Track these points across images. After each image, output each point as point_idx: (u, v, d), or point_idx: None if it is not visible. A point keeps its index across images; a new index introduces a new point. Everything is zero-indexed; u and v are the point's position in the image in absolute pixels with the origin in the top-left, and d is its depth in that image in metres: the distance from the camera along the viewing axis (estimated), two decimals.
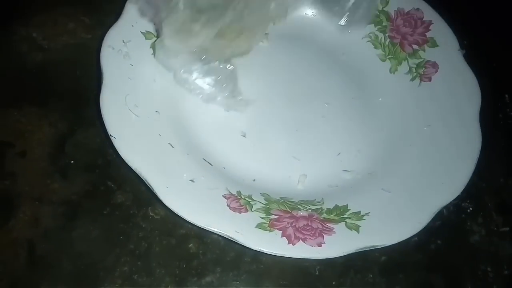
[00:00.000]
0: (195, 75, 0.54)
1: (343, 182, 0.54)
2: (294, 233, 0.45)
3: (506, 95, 0.67)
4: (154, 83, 0.55)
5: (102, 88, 0.50)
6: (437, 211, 0.48)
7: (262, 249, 0.43)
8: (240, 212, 0.46)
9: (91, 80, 0.58)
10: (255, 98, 0.57)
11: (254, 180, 0.53)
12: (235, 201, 0.48)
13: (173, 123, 0.53)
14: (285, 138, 0.55)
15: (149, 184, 0.45)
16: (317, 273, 0.51)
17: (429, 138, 0.55)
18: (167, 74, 0.56)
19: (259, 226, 0.45)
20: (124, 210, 0.52)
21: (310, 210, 0.49)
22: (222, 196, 0.48)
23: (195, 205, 0.45)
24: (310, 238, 0.45)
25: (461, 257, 0.54)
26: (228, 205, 0.47)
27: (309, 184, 0.54)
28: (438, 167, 0.52)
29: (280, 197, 0.51)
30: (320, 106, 0.57)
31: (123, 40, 0.54)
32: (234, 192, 0.49)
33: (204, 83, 0.55)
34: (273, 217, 0.47)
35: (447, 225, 0.55)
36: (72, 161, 0.55)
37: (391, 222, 0.47)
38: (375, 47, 0.64)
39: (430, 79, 0.60)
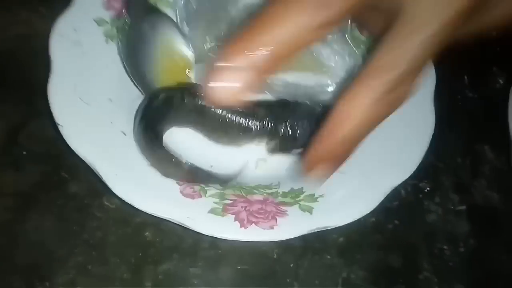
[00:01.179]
0: None
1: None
2: (247, 217, 0.45)
3: (465, 77, 0.68)
4: (107, 70, 0.54)
5: (50, 77, 0.49)
6: (389, 191, 0.48)
7: (214, 234, 0.43)
8: (193, 198, 0.46)
9: (43, 71, 0.57)
10: None
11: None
12: (188, 187, 0.47)
13: (126, 111, 0.52)
14: None
15: (97, 172, 0.44)
16: (275, 256, 0.51)
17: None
18: (120, 61, 0.55)
19: (212, 211, 0.45)
20: (78, 200, 0.52)
21: (265, 194, 0.49)
22: (176, 183, 0.47)
23: (147, 192, 0.45)
24: (263, 221, 0.45)
25: (418, 236, 0.55)
26: (181, 192, 0.46)
27: (267, 169, 0.54)
28: (391, 147, 0.52)
29: (236, 183, 0.50)
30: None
31: (74, 28, 0.53)
32: None
33: None
34: (227, 202, 0.46)
35: (404, 205, 0.56)
36: (24, 152, 0.54)
37: (344, 203, 0.47)
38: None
39: None
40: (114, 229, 0.50)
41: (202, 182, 0.49)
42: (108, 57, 0.55)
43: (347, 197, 0.48)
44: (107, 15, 0.57)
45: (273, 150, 0.54)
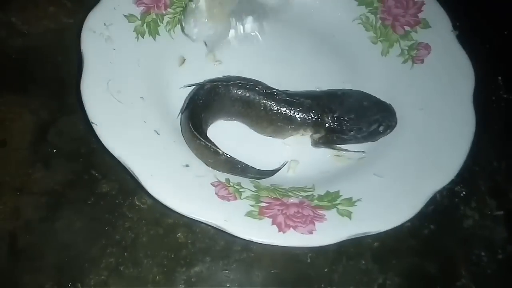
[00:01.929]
0: None
1: (334, 168, 0.53)
2: (285, 221, 0.44)
3: (499, 77, 0.66)
4: (138, 68, 0.53)
5: (83, 74, 0.48)
6: (431, 196, 0.47)
7: (252, 238, 0.42)
8: (229, 200, 0.45)
9: (73, 66, 0.56)
10: None
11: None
12: (223, 189, 0.46)
13: (158, 109, 0.51)
14: None
15: (133, 172, 0.43)
16: (308, 261, 0.50)
17: (422, 121, 0.54)
18: (152, 58, 0.54)
19: (249, 214, 0.44)
20: (110, 199, 0.51)
21: (301, 197, 0.47)
22: (210, 184, 0.46)
23: (182, 193, 0.44)
24: (301, 226, 0.43)
25: (454, 242, 0.53)
26: (216, 193, 0.45)
27: (300, 171, 0.52)
28: (432, 151, 0.51)
29: (270, 184, 0.49)
30: (309, 90, 0.56)
31: (104, 23, 0.52)
32: (223, 180, 0.47)
33: None
34: (263, 204, 0.45)
35: (440, 210, 0.54)
36: (54, 150, 0.53)
37: (383, 207, 0.46)
38: (366, 30, 0.62)
39: (422, 61, 0.58)
40: (146, 229, 0.49)
41: (239, 173, 0.48)
42: (139, 54, 0.54)
43: (387, 201, 0.47)
44: (137, 11, 0.56)
45: (317, 143, 0.53)
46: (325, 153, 0.54)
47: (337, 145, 0.53)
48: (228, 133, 0.54)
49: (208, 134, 0.51)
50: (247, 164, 0.48)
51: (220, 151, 0.47)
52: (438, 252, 0.52)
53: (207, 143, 0.47)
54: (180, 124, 0.50)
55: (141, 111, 0.49)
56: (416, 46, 0.59)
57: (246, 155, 0.51)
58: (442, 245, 0.53)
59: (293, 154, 0.53)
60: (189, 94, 0.52)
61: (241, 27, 0.59)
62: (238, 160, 0.48)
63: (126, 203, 0.50)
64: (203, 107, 0.50)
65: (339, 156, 0.54)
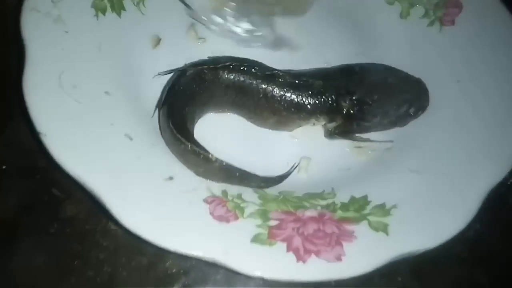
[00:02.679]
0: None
1: (356, 163, 0.42)
2: (304, 244, 0.34)
3: None
4: (100, 54, 0.42)
5: (25, 67, 0.37)
6: (486, 194, 0.37)
7: (263, 274, 0.32)
8: (228, 222, 0.34)
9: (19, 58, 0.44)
10: None
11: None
12: (220, 205, 0.36)
13: (129, 106, 0.40)
14: None
15: (97, 196, 0.33)
16: (333, 284, 0.40)
17: (460, 98, 0.44)
18: (118, 40, 0.43)
19: (256, 239, 0.34)
20: (77, 225, 0.41)
21: (320, 207, 0.37)
22: (203, 200, 0.36)
23: (164, 219, 0.33)
24: (325, 250, 0.33)
25: (505, 243, 0.43)
26: (211, 213, 0.35)
27: (313, 170, 0.42)
28: (478, 134, 0.41)
29: (279, 192, 0.39)
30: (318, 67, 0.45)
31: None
32: (219, 193, 0.37)
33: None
34: (273, 223, 0.35)
35: (485, 205, 0.44)
36: (4, 166, 0.42)
37: (428, 215, 0.36)
38: None
39: (453, 22, 0.48)
40: (126, 260, 0.39)
41: (238, 183, 0.38)
42: (100, 37, 0.42)
43: (431, 205, 0.37)
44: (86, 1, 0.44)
45: (332, 134, 0.42)
46: (342, 145, 0.44)
47: (358, 135, 0.42)
48: (221, 129, 0.43)
49: (195, 133, 0.41)
50: (247, 172, 0.37)
51: (212, 156, 0.36)
52: (488, 257, 0.43)
53: (195, 147, 0.36)
54: (159, 122, 0.39)
55: (106, 111, 0.39)
56: (443, 3, 0.48)
57: (245, 155, 0.41)
58: (491, 248, 0.43)
59: (303, 150, 0.43)
60: (167, 84, 0.41)
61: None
62: (235, 167, 0.37)
63: (98, 228, 0.40)
64: (186, 99, 0.39)
65: (360, 148, 0.43)
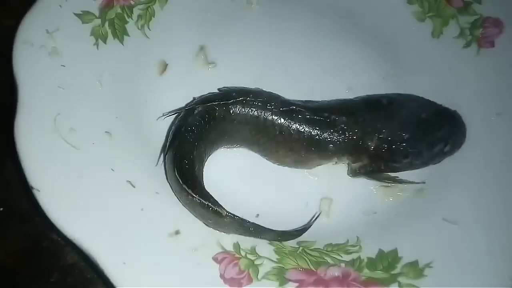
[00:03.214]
0: None
1: (383, 206, 0.38)
2: None
3: None
4: (101, 88, 0.38)
5: (17, 109, 0.34)
6: None
7: None
8: (241, 286, 0.31)
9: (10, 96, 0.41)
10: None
11: (258, 215, 0.37)
12: (232, 264, 0.32)
13: (132, 148, 0.37)
14: None
15: (95, 260, 0.29)
16: None
17: (501, 133, 0.39)
18: (120, 70, 0.39)
19: None
20: (78, 274, 0.38)
21: (344, 264, 0.33)
22: (212, 259, 0.32)
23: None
24: None
25: None
26: (221, 274, 0.31)
27: (336, 213, 0.38)
28: None
29: (298, 243, 0.35)
30: (339, 94, 0.42)
31: (46, 30, 0.37)
32: (230, 247, 0.33)
33: None
34: (291, 286, 0.31)
35: None
36: (1, 209, 0.39)
37: (467, 277, 0.31)
38: (409, 2, 0.46)
39: (492, 44, 0.43)
40: None
41: (251, 236, 0.34)
42: (100, 68, 0.39)
43: (470, 266, 0.32)
44: (93, 5, 0.40)
45: (356, 173, 0.38)
46: (367, 184, 0.40)
47: (385, 174, 0.38)
48: (233, 165, 0.40)
49: (205, 170, 0.37)
50: (261, 226, 0.33)
51: (222, 211, 0.32)
52: None
53: (203, 200, 0.32)
54: (164, 166, 0.36)
55: (106, 155, 0.35)
56: (481, 22, 0.43)
57: (258, 195, 0.39)
58: None
59: (323, 189, 0.40)
60: (173, 123, 0.37)
61: None
62: (248, 222, 0.33)
63: (102, 276, 0.37)
64: (194, 140, 0.35)
65: (388, 187, 0.39)
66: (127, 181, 0.35)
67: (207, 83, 0.41)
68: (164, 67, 0.43)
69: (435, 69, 0.44)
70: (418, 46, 0.45)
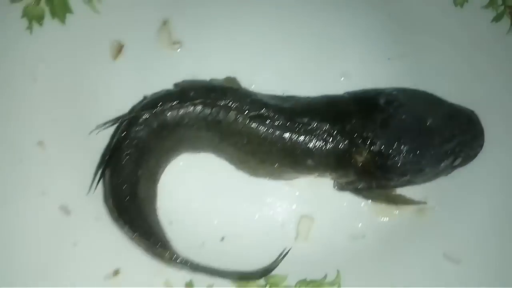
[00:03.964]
0: None
1: (374, 228, 0.32)
2: None
3: None
4: (35, 84, 0.31)
5: None
6: None
7: None
8: None
9: None
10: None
11: (223, 239, 0.32)
12: None
13: (69, 163, 0.31)
14: None
15: None
16: None
17: None
18: (62, 57, 0.33)
19: None
20: None
21: None
22: None
23: None
24: None
25: None
26: None
27: (316, 237, 0.32)
28: None
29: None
30: (332, 82, 0.35)
31: None
32: (181, 286, 0.28)
33: None
34: None
35: None
36: None
37: None
38: None
39: None
40: None
41: (208, 276, 0.29)
42: (35, 59, 0.32)
43: None
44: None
45: (343, 188, 0.32)
46: (357, 199, 0.32)
47: (378, 193, 0.31)
48: (195, 174, 0.33)
49: (164, 179, 0.32)
50: (217, 269, 0.28)
51: (166, 253, 0.27)
52: None
53: (144, 239, 0.27)
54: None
55: (36, 174, 0.29)
56: None
57: (224, 211, 0.33)
58: None
59: (304, 206, 0.33)
60: (113, 136, 0.30)
61: None
62: (201, 266, 0.28)
63: None
64: (140, 155, 0.29)
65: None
66: (60, 206, 0.29)
67: (171, 68, 0.35)
68: (119, 49, 0.35)
69: (454, 49, 0.35)
70: (434, 17, 0.36)
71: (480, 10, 0.34)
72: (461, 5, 0.35)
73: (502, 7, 0.34)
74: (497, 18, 0.34)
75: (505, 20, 0.34)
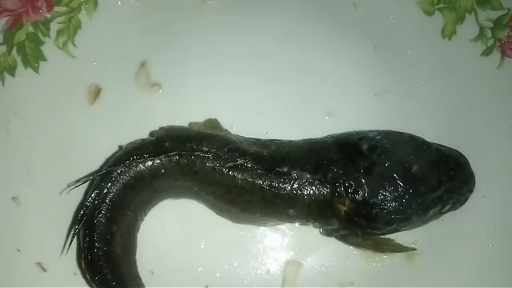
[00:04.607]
0: None
1: (363, 275, 0.31)
2: None
3: None
4: (8, 137, 0.31)
5: None
6: None
7: None
8: None
9: None
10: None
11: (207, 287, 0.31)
12: None
13: (46, 219, 0.30)
14: None
15: None
16: None
17: None
18: (35, 108, 0.32)
19: None
20: None
21: None
22: None
23: None
24: None
25: None
26: None
27: (303, 283, 0.31)
28: None
29: None
30: (316, 121, 0.34)
31: None
32: None
33: None
34: None
35: None
36: None
37: None
38: None
39: None
40: None
41: None
42: (8, 112, 0.31)
43: None
44: None
45: (329, 234, 0.31)
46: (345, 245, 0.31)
47: (365, 239, 0.30)
48: (176, 219, 0.33)
49: (144, 228, 0.31)
50: None
51: None
52: None
53: None
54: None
55: (11, 233, 0.28)
56: (508, 20, 0.32)
57: (208, 257, 0.32)
58: None
59: (291, 250, 0.32)
60: (88, 192, 0.29)
61: None
62: None
63: None
64: (115, 212, 0.28)
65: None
66: (37, 263, 0.28)
67: (150, 111, 0.34)
68: (97, 92, 0.35)
69: (442, 84, 0.34)
70: (422, 50, 0.35)
71: (469, 42, 0.33)
72: (449, 38, 0.34)
73: (492, 40, 0.32)
74: (487, 52, 0.32)
75: (495, 54, 0.32)
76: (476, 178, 0.29)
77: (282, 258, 0.32)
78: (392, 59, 0.34)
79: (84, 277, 0.28)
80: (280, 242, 0.32)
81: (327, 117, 0.34)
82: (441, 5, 0.34)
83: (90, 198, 0.28)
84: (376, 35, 0.35)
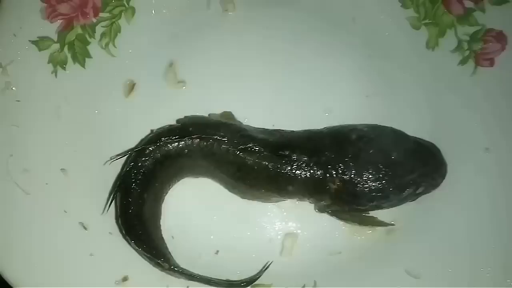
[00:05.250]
0: None
1: (350, 246, 0.36)
2: None
3: None
4: (58, 122, 0.37)
5: None
6: None
7: None
8: None
9: None
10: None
11: (217, 252, 0.36)
12: None
13: (88, 185, 0.36)
14: None
15: None
16: None
17: (487, 169, 0.35)
18: (81, 97, 0.38)
19: None
20: None
21: None
22: None
23: None
24: None
25: None
26: None
27: (299, 252, 0.37)
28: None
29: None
30: (318, 117, 0.39)
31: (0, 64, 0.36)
32: None
33: None
34: None
35: None
36: None
37: None
38: (404, 6, 0.40)
39: (491, 63, 0.37)
40: None
41: (201, 284, 0.34)
42: (59, 98, 0.38)
43: None
44: (51, 29, 0.38)
45: (323, 210, 0.37)
46: (336, 220, 0.37)
47: (352, 215, 0.36)
48: (195, 195, 0.38)
49: (169, 200, 0.37)
50: (208, 278, 0.33)
51: (165, 264, 0.32)
52: None
53: (145, 253, 0.32)
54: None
55: (59, 195, 0.35)
56: (482, 35, 0.37)
57: (219, 227, 0.38)
58: None
59: (290, 224, 0.38)
60: (123, 165, 0.35)
61: None
62: (194, 274, 0.33)
63: None
64: (145, 182, 0.35)
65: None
66: (79, 223, 0.35)
67: (176, 104, 0.40)
68: (132, 87, 0.41)
69: (425, 88, 0.39)
70: (410, 59, 0.40)
71: (449, 53, 0.39)
72: (433, 49, 0.39)
73: (468, 52, 0.38)
74: (463, 61, 0.38)
75: (470, 63, 0.38)
76: (449, 167, 0.35)
77: (282, 230, 0.37)
78: (383, 66, 0.40)
79: (120, 232, 0.34)
80: (281, 217, 0.38)
81: (326, 114, 0.40)
82: (426, 21, 0.39)
83: (126, 169, 0.34)
84: (371, 45, 0.41)
